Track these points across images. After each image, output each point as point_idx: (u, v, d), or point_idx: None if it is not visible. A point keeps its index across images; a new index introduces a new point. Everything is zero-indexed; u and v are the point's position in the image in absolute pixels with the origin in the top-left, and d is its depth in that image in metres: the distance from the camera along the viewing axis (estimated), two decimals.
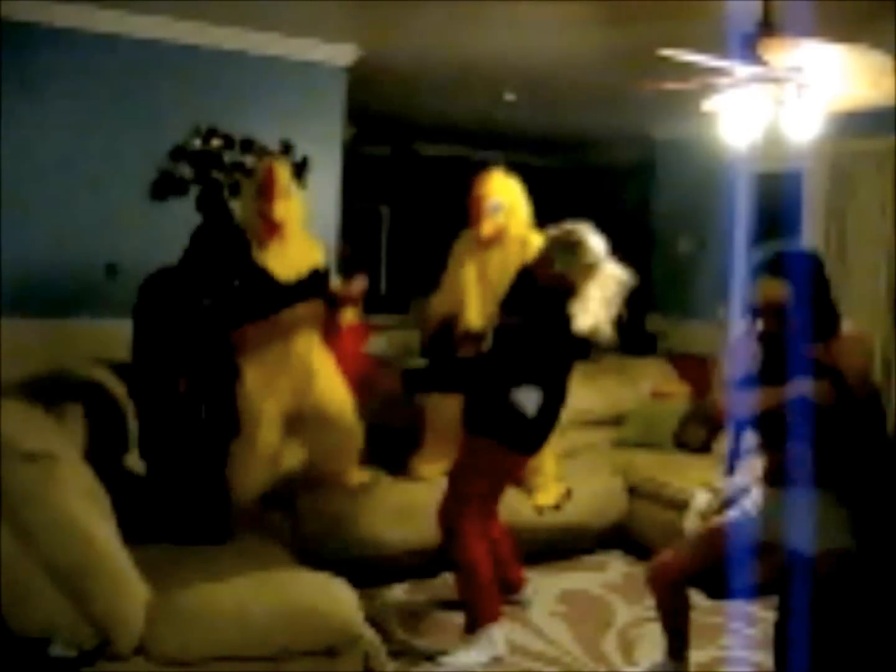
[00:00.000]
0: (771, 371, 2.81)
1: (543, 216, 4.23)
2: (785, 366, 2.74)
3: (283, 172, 4.02)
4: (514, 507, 4.50)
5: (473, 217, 4.26)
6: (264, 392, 3.93)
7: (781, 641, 2.84)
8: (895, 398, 5.24)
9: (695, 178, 6.70)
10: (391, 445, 4.68)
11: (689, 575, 3.07)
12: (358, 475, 4.34)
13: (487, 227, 4.22)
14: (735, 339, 2.99)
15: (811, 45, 3.09)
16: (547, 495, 4.56)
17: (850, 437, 2.74)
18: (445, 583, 4.24)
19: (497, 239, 4.25)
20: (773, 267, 2.79)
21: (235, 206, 4.35)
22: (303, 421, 4.09)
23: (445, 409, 4.39)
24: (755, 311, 2.85)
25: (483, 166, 4.45)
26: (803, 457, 2.77)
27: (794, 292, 2.73)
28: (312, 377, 4.05)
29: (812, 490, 2.80)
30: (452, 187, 5.38)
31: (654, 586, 3.17)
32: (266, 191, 3.93)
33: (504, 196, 4.25)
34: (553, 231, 3.61)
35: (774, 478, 2.93)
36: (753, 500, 3.02)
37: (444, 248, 4.59)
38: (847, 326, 2.81)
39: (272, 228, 3.95)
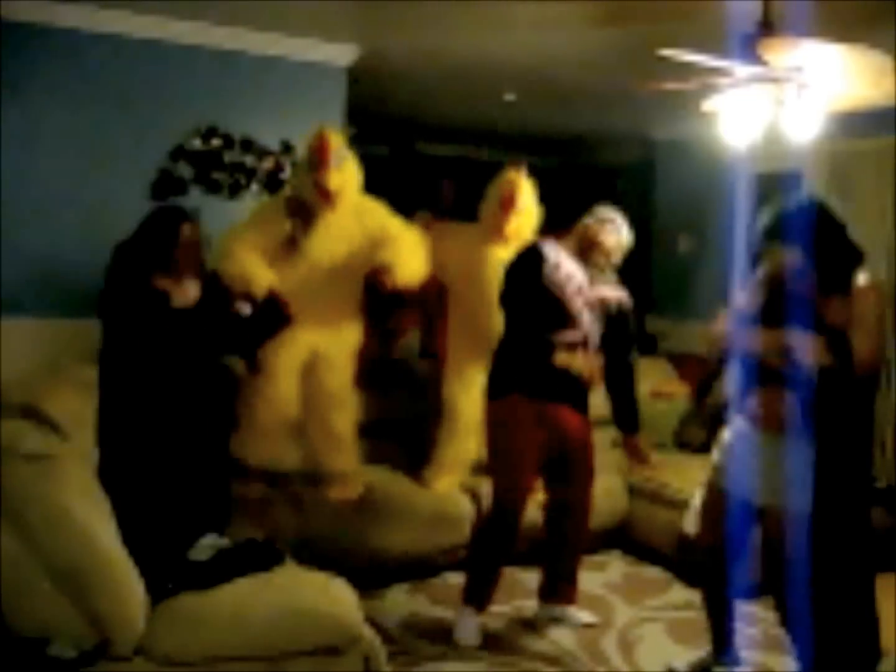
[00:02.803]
0: (775, 315, 2.79)
1: (543, 216, 4.25)
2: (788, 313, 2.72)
3: (336, 140, 3.92)
4: None
5: (497, 213, 4.17)
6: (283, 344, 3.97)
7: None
8: (895, 398, 5.24)
9: (694, 178, 6.70)
10: (400, 442, 4.69)
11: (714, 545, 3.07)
12: (354, 487, 4.27)
13: (512, 226, 4.15)
14: (745, 282, 2.97)
15: (811, 45, 3.09)
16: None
17: (836, 398, 2.69)
18: (445, 583, 4.24)
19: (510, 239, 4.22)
20: (776, 231, 2.78)
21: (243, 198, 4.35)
22: (308, 406, 4.12)
23: (464, 408, 4.39)
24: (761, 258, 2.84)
25: (494, 167, 4.44)
26: (798, 404, 2.74)
27: (799, 254, 2.70)
28: (326, 364, 4.09)
29: (807, 441, 2.75)
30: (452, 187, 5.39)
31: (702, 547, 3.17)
32: (320, 160, 3.85)
33: (526, 199, 4.23)
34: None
35: (768, 421, 2.89)
36: (740, 441, 3.00)
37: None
38: (861, 279, 2.79)
39: (328, 198, 3.90)
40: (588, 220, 3.73)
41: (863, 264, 2.82)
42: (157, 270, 3.43)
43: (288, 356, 4.01)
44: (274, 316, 3.88)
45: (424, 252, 4.11)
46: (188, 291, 3.48)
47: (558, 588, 3.90)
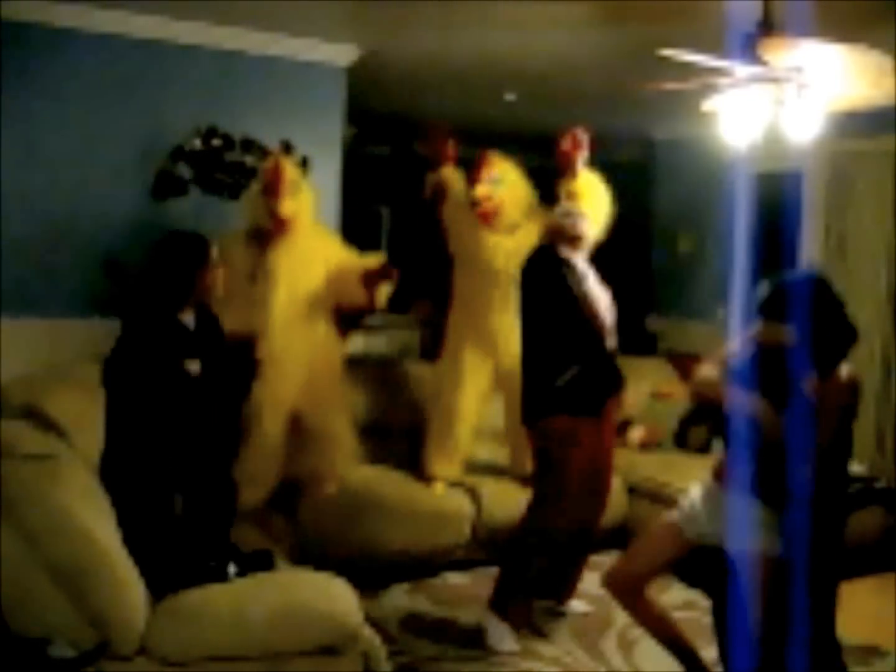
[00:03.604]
0: (767, 382, 2.76)
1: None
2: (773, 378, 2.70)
3: (289, 168, 4.00)
4: (514, 505, 4.49)
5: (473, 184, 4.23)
6: (273, 388, 3.96)
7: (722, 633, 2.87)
8: (895, 398, 5.25)
9: (695, 178, 6.69)
10: (396, 444, 4.70)
11: (644, 578, 3.06)
12: (332, 485, 4.27)
13: (482, 190, 4.20)
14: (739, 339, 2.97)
15: (811, 45, 3.09)
16: None
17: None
18: (445, 583, 4.24)
19: (493, 215, 4.27)
20: (772, 307, 2.73)
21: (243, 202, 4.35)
22: (300, 422, 4.12)
23: (447, 403, 4.42)
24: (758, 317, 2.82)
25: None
26: (743, 462, 2.74)
27: (795, 331, 2.65)
28: (318, 382, 4.08)
29: (749, 495, 2.76)
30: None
31: (615, 595, 3.16)
32: (273, 188, 3.92)
33: (508, 174, 4.28)
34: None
35: (718, 475, 2.91)
36: (697, 493, 3.00)
37: (444, 248, 4.59)
38: (844, 370, 2.72)
39: (281, 225, 3.94)
40: (563, 219, 3.78)
41: (856, 343, 2.76)
42: (184, 304, 3.17)
43: (273, 395, 4.01)
44: (244, 360, 3.86)
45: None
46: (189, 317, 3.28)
47: (564, 587, 3.95)
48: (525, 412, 3.77)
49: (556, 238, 3.75)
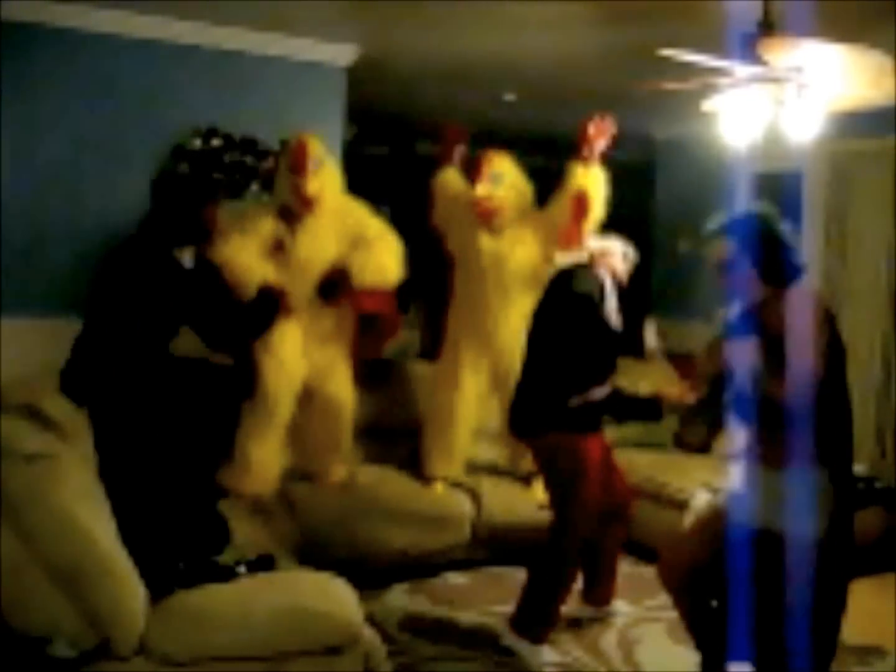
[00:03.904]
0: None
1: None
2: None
3: (314, 147, 3.99)
4: (514, 505, 4.50)
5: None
6: (285, 364, 3.99)
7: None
8: (895, 398, 5.25)
9: (695, 178, 6.69)
10: (396, 444, 4.69)
11: (695, 566, 3.01)
12: (339, 472, 4.32)
13: (482, 189, 4.20)
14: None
15: (811, 45, 3.09)
16: None
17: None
18: (446, 583, 4.24)
19: (494, 214, 4.27)
20: (713, 227, 2.97)
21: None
22: (304, 409, 4.11)
23: (458, 407, 4.41)
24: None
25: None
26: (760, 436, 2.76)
27: (738, 249, 2.82)
28: (327, 368, 4.09)
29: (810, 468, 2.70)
30: None
31: (670, 591, 3.08)
32: (298, 166, 3.92)
33: (508, 172, 4.28)
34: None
35: (765, 457, 2.83)
36: (736, 478, 2.95)
37: (444, 249, 4.59)
38: (805, 285, 2.86)
39: (306, 204, 3.94)
40: (610, 256, 3.76)
41: (801, 278, 2.83)
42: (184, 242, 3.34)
43: (285, 376, 4.02)
44: (269, 306, 3.89)
45: (400, 256, 4.15)
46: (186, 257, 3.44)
47: (601, 590, 3.93)
48: (523, 424, 3.74)
49: (599, 264, 3.73)
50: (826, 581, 2.66)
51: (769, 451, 2.75)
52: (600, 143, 4.19)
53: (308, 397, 4.15)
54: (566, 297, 3.65)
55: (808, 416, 2.59)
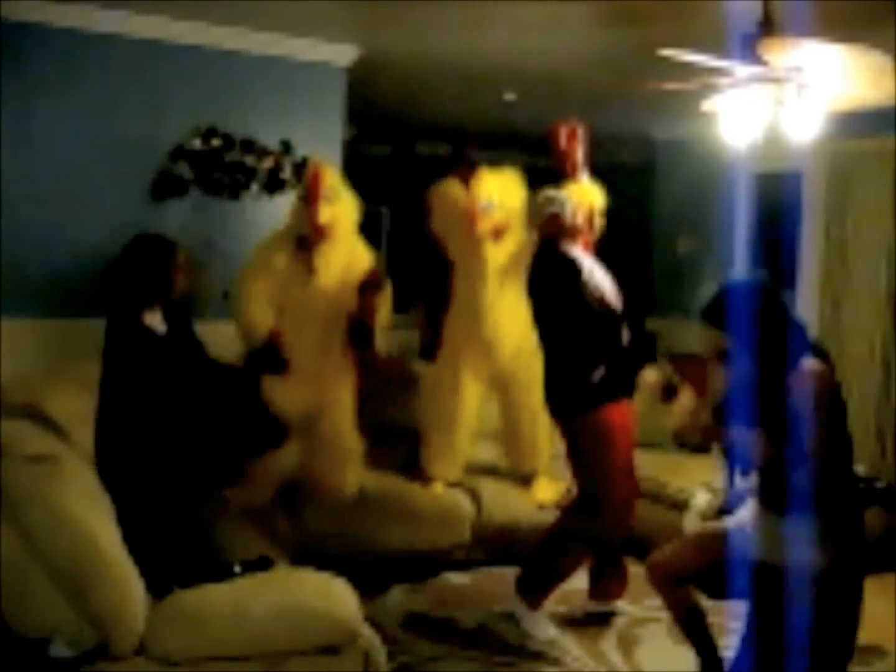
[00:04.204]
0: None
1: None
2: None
3: (328, 176, 4.03)
4: (514, 505, 4.51)
5: (469, 219, 4.24)
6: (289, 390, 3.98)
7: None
8: (895, 398, 5.25)
9: (695, 178, 6.69)
10: (396, 444, 4.69)
11: (685, 574, 3.03)
12: (350, 486, 4.29)
13: (483, 226, 4.23)
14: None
15: (811, 45, 3.09)
16: (547, 491, 4.56)
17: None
18: (446, 583, 4.24)
19: (500, 234, 4.29)
20: (710, 314, 2.66)
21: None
22: (308, 426, 4.11)
23: (440, 406, 4.42)
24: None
25: (494, 167, 4.47)
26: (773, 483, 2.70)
27: (734, 339, 2.58)
28: (329, 388, 4.11)
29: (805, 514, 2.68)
30: None
31: (655, 585, 3.14)
32: (311, 194, 3.95)
33: (496, 194, 4.27)
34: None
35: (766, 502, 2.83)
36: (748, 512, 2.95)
37: (443, 250, 4.59)
38: (808, 364, 2.59)
39: (318, 232, 3.96)
40: (551, 208, 3.77)
41: (810, 351, 2.63)
42: (149, 303, 3.24)
43: (289, 397, 4.00)
44: (271, 358, 3.91)
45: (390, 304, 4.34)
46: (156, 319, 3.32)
47: (609, 585, 3.94)
48: (557, 408, 3.77)
49: (555, 232, 3.74)
50: (830, 612, 2.65)
51: (769, 497, 2.76)
52: (578, 153, 4.18)
53: (312, 425, 4.15)
54: (533, 280, 3.73)
55: (808, 477, 2.57)
